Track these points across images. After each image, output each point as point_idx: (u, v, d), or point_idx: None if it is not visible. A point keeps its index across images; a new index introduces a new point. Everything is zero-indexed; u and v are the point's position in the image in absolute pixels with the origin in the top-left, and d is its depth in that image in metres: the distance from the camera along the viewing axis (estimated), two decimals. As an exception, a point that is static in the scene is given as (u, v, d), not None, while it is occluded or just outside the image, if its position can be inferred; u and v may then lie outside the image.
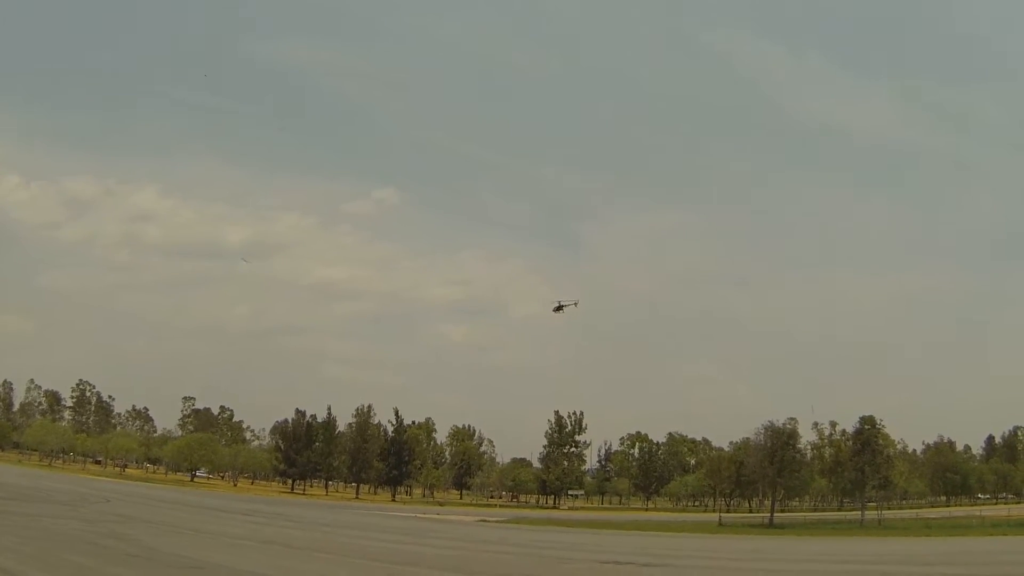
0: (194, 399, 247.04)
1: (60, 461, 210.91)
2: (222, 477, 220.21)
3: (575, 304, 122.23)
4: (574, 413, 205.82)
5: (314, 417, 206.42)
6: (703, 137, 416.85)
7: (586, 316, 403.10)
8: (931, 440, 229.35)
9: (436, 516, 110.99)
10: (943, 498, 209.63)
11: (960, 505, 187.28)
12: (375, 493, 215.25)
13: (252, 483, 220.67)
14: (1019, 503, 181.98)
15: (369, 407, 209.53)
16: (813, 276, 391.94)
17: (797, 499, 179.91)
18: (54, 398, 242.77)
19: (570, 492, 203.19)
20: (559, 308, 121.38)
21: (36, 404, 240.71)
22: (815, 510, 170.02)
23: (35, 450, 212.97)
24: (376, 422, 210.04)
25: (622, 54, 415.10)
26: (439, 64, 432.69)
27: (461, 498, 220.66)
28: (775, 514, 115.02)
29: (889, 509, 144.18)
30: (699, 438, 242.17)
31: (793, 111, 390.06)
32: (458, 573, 32.98)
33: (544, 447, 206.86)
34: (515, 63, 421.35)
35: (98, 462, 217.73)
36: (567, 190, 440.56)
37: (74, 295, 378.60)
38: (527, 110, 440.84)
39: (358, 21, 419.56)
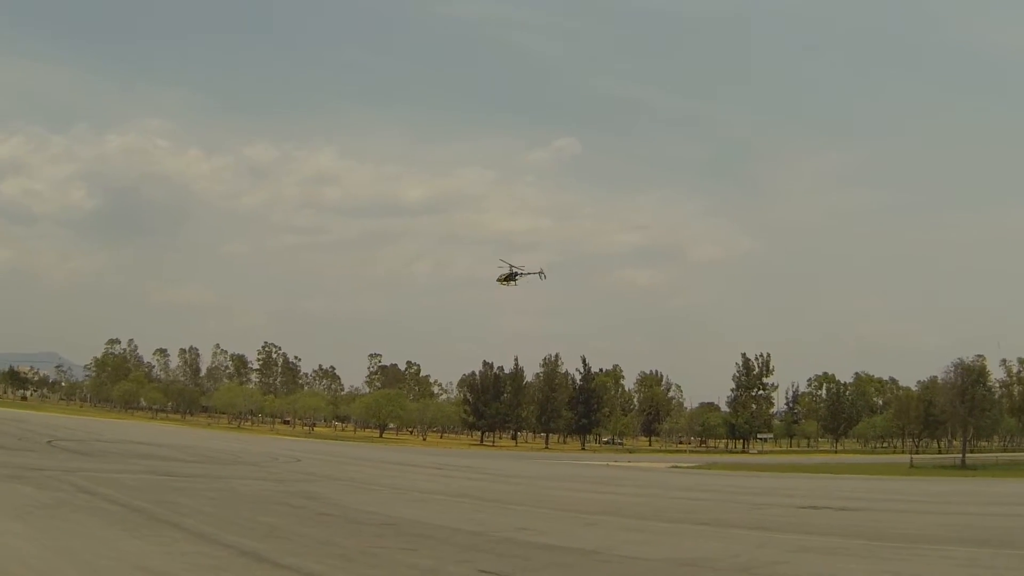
0: (380, 355, 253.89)
1: (248, 423, 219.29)
2: (411, 432, 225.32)
3: (541, 275, 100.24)
4: (761, 355, 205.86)
5: (501, 368, 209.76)
6: (874, 69, 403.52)
7: (764, 256, 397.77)
8: None
9: (627, 463, 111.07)
10: None
11: None
12: (564, 442, 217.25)
13: (441, 437, 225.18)
14: None
15: (556, 356, 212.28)
16: (989, 210, 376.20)
17: (985, 440, 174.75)
18: (240, 361, 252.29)
19: (759, 435, 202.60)
20: (510, 277, 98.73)
21: (223, 368, 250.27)
22: (1005, 450, 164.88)
23: (223, 413, 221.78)
24: (563, 371, 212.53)
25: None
26: (609, 12, 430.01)
27: (650, 444, 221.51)
28: (966, 455, 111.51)
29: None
30: (886, 377, 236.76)
31: (968, 37, 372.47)
32: (654, 520, 32.42)
33: (732, 390, 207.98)
34: (682, 5, 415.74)
35: (286, 422, 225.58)
36: (742, 131, 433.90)
37: (256, 260, 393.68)
38: (697, 53, 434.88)
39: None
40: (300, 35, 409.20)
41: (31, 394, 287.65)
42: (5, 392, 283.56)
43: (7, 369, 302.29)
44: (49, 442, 63.12)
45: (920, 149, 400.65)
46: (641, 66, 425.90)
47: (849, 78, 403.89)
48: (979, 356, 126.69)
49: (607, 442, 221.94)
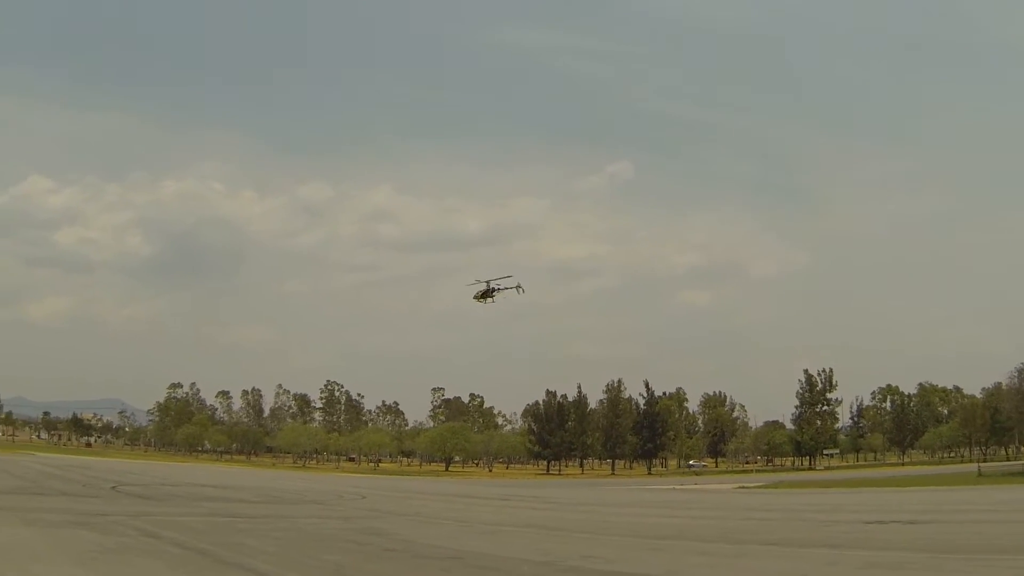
0: (443, 389, 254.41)
1: (313, 461, 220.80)
2: (477, 464, 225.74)
3: (518, 289, 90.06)
4: (824, 371, 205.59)
5: (564, 396, 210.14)
6: (914, 75, 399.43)
7: (821, 269, 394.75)
8: None
9: (694, 486, 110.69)
10: None
11: None
12: (630, 468, 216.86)
13: (507, 468, 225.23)
14: None
15: (619, 382, 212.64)
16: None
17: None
18: (303, 401, 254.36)
19: (825, 452, 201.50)
20: (486, 294, 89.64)
21: (286, 408, 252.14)
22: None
23: (288, 453, 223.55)
24: (627, 396, 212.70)
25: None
26: (650, 34, 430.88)
27: (716, 466, 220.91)
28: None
29: None
30: (950, 386, 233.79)
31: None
32: (723, 543, 32.25)
33: (796, 407, 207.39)
34: (719, 21, 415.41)
35: (352, 459, 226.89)
36: (791, 145, 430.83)
37: (316, 299, 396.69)
38: (739, 68, 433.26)
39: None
40: (347, 70, 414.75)
41: (95, 440, 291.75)
42: (70, 439, 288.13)
43: (71, 416, 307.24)
44: (113, 488, 63.81)
45: (972, 151, 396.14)
46: (686, 86, 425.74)
47: (896, 84, 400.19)
48: None
49: (691, 466, 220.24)
